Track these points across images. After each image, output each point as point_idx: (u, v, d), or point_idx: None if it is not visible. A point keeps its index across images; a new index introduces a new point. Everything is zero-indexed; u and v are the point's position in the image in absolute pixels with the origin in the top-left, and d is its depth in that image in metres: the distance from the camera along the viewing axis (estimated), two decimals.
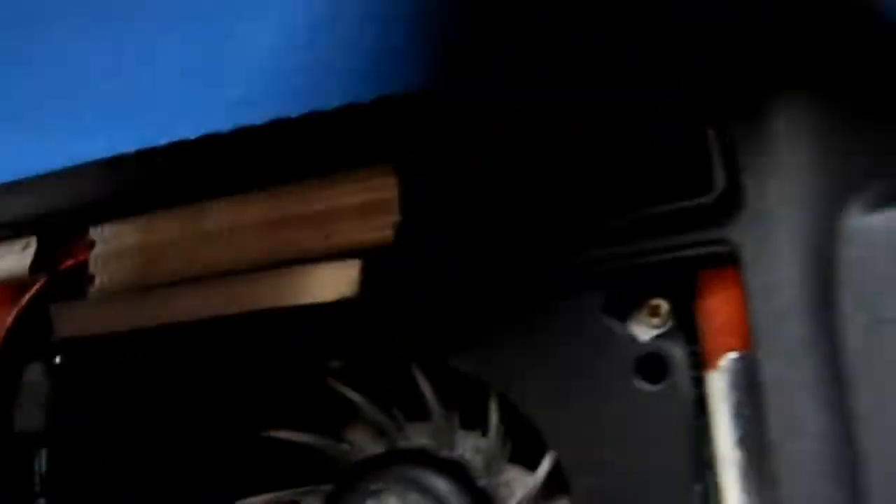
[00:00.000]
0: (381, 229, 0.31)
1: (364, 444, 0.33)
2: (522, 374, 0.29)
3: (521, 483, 0.32)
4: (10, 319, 0.35)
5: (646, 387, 0.28)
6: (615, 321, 0.29)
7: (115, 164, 0.34)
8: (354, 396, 0.32)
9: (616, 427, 0.28)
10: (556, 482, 0.30)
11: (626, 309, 0.29)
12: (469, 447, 0.32)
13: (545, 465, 0.30)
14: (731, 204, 0.26)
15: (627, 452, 0.27)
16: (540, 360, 0.29)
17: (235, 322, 0.32)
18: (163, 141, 0.33)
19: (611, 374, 0.28)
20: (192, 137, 0.33)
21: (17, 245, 0.36)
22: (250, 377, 0.33)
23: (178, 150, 0.33)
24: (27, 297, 0.36)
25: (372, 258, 0.31)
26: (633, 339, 0.28)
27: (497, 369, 0.29)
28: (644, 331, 0.29)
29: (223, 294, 0.32)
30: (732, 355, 0.26)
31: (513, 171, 0.29)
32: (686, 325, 0.28)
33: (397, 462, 0.31)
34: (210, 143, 0.32)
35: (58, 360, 0.35)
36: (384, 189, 0.31)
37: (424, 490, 0.30)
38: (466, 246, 0.29)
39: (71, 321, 0.34)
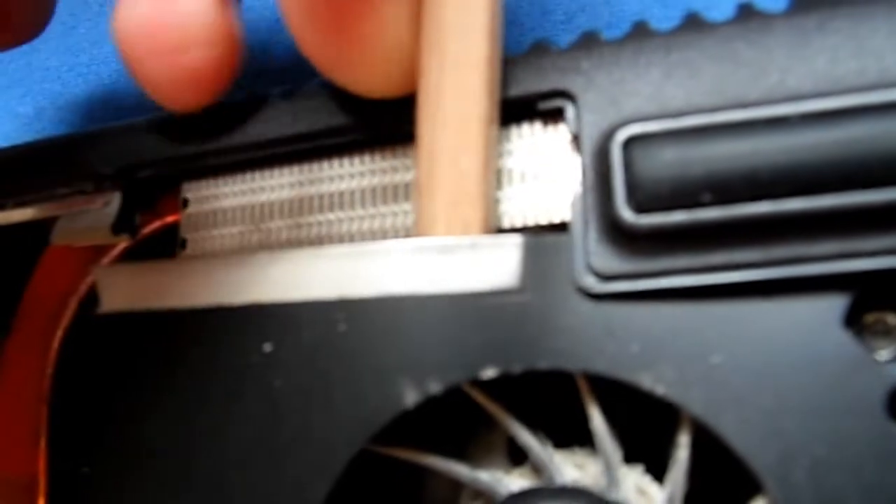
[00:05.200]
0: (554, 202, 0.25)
1: (500, 472, 0.26)
2: (734, 398, 0.22)
3: None
4: (85, 286, 0.29)
5: None
6: (857, 338, 0.22)
7: (214, 111, 0.28)
8: (499, 413, 0.25)
9: (867, 479, 0.21)
10: None
11: (862, 321, 0.23)
12: (633, 488, 0.25)
13: None
14: None
15: None
16: (758, 383, 0.22)
17: (352, 307, 0.25)
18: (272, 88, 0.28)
19: (858, 409, 0.22)
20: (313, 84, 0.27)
21: (98, 201, 0.29)
22: (356, 378, 0.25)
23: (291, 99, 0.27)
24: (107, 261, 0.30)
25: (543, 236, 0.25)
26: (882, 364, 0.22)
27: (700, 391, 0.22)
28: (885, 351, 0.23)
29: (339, 270, 0.25)
30: None
31: None
32: None
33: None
34: (330, 91, 0.26)
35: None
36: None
37: None
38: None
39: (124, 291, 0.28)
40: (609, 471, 0.25)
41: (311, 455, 0.25)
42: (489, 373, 0.24)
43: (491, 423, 0.27)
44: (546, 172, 0.25)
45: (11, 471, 0.30)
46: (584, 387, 0.25)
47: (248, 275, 0.26)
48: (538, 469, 0.26)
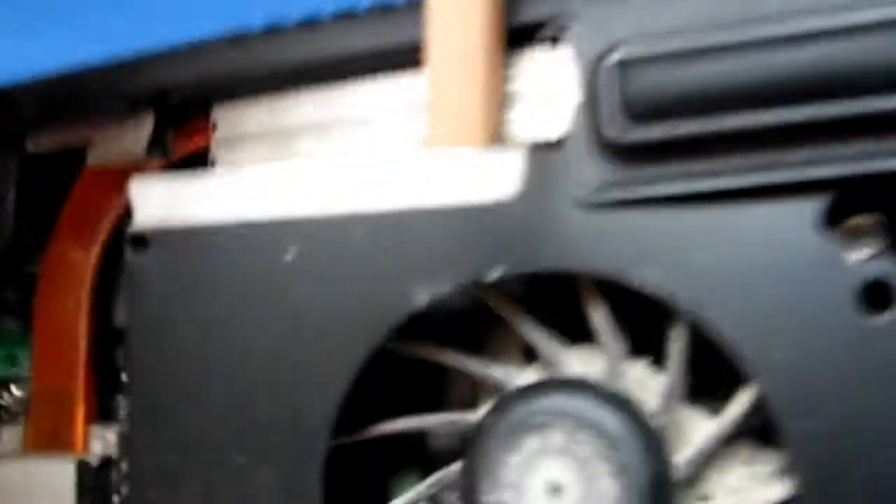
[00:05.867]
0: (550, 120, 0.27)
1: (513, 368, 0.29)
2: (721, 294, 0.25)
3: (694, 426, 0.27)
4: (122, 205, 0.31)
5: (869, 318, 0.23)
6: (830, 239, 0.24)
7: (243, 38, 0.30)
8: (511, 313, 0.28)
9: (837, 363, 0.24)
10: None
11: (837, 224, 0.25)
12: (635, 380, 0.28)
13: (735, 409, 0.26)
14: None
15: (851, 393, 0.23)
16: (739, 279, 0.25)
17: (372, 220, 0.28)
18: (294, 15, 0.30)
19: (828, 302, 0.24)
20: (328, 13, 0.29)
21: (132, 122, 0.32)
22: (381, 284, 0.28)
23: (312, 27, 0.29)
24: None
25: (541, 151, 0.27)
26: (850, 262, 0.24)
27: (691, 288, 0.25)
28: (855, 251, 0.24)
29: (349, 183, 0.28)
30: None
31: None
32: None
33: (561, 394, 0.27)
34: (348, 20, 0.29)
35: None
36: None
37: (593, 428, 0.26)
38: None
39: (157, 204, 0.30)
40: (611, 364, 0.27)
41: (332, 352, 0.27)
42: (494, 274, 0.26)
43: (507, 325, 0.29)
44: (548, 94, 0.27)
45: (53, 381, 0.32)
46: (586, 287, 0.27)
47: (269, 190, 0.29)
48: (547, 364, 0.28)
